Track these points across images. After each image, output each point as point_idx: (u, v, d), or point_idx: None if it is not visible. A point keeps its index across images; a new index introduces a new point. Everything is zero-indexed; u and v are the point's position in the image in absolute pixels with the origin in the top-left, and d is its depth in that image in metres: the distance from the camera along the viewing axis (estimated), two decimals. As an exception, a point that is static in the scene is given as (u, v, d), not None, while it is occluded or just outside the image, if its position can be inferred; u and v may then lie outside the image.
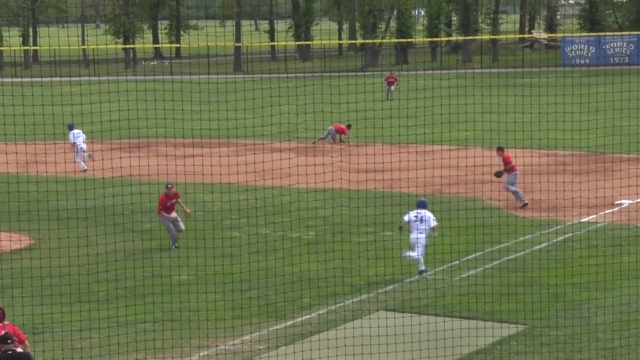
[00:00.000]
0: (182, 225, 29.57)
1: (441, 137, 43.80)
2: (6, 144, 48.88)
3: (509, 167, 33.89)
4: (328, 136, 52.33)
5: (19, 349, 16.76)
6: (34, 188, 35.72)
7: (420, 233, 25.82)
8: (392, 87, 67.71)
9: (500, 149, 34.16)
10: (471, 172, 36.64)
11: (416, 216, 26.13)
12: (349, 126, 51.56)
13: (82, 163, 45.64)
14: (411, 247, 26.01)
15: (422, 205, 26.79)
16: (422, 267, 25.77)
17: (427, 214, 26.33)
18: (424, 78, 70.68)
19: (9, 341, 15.09)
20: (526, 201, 33.46)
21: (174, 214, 29.56)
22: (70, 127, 47.20)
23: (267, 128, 49.79)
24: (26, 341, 17.33)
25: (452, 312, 21.68)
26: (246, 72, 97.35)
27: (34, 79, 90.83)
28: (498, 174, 34.42)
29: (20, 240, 29.40)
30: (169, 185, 30.46)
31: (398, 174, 35.51)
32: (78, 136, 47.00)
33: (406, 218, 26.42)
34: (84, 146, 46.66)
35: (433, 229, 26.23)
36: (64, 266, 24.78)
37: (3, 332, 15.47)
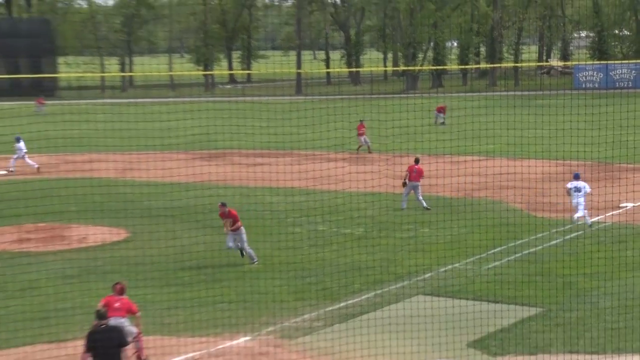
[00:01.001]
0: (241, 244, 25.90)
1: (471, 150, 43.59)
2: (107, 154, 49.54)
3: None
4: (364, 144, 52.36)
5: (125, 320, 17.02)
6: (130, 190, 36.20)
7: (580, 198, 29.27)
8: (442, 115, 66.31)
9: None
10: (496, 179, 36.53)
11: (576, 186, 29.44)
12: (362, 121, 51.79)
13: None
14: (574, 210, 29.44)
15: (576, 177, 29.94)
16: (589, 222, 29.52)
17: (581, 183, 29.58)
18: (457, 100, 70.45)
19: (102, 317, 14.86)
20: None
21: (235, 230, 25.78)
22: (18, 139, 46.31)
23: (324, 141, 49.90)
24: (138, 313, 17.58)
25: (480, 297, 21.64)
26: (305, 94, 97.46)
27: (129, 100, 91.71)
28: (404, 184, 33.90)
29: (118, 233, 29.78)
30: (220, 204, 26.58)
31: (435, 180, 35.42)
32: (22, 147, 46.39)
33: (568, 185, 29.80)
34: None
35: (588, 194, 29.49)
36: (154, 255, 25.09)
37: (99, 308, 15.43)
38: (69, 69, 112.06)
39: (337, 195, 34.31)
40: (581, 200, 29.30)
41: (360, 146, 52.06)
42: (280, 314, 20.65)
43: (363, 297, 21.99)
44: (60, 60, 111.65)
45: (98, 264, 25.35)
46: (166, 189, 35.41)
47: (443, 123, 64.43)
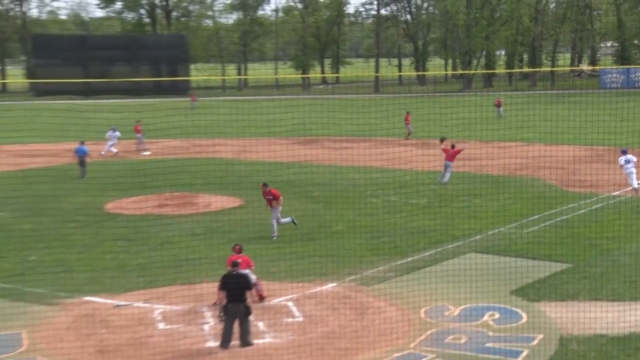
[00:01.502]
0: (277, 220, 24.10)
1: (515, 137, 42.85)
2: (226, 139, 50.07)
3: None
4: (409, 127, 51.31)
5: (247, 271, 17.28)
6: (244, 168, 36.56)
7: (631, 168, 29.18)
8: (501, 109, 63.97)
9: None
10: (535, 160, 35.92)
11: (626, 159, 29.26)
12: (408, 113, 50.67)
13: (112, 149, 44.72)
14: (629, 179, 29.24)
15: (624, 152, 29.68)
16: (636, 186, 29.10)
17: (629, 156, 29.33)
18: (504, 97, 69.20)
19: (235, 266, 15.81)
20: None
21: (273, 207, 24.14)
22: (114, 129, 45.32)
23: (396, 130, 49.65)
24: (253, 266, 17.82)
25: (520, 254, 21.33)
26: (382, 93, 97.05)
27: (244, 98, 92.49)
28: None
29: (234, 201, 30.12)
30: (262, 184, 24.76)
31: (485, 161, 34.99)
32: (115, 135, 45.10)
33: (620, 160, 29.55)
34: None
35: (636, 165, 29.32)
36: (262, 219, 25.27)
37: (233, 260, 16.26)
38: (198, 73, 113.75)
39: (406, 173, 34.13)
40: (633, 170, 28.99)
41: (409, 133, 51.24)
42: (360, 266, 20.67)
43: (426, 253, 21.86)
44: (192, 66, 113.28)
45: (219, 224, 25.67)
46: (271, 167, 35.67)
47: (500, 115, 62.33)
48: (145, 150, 46.04)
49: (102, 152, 43.93)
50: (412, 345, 15.32)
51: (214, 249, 22.24)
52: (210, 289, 18.28)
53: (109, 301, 18.01)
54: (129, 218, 27.13)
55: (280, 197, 24.24)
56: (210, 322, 16.63)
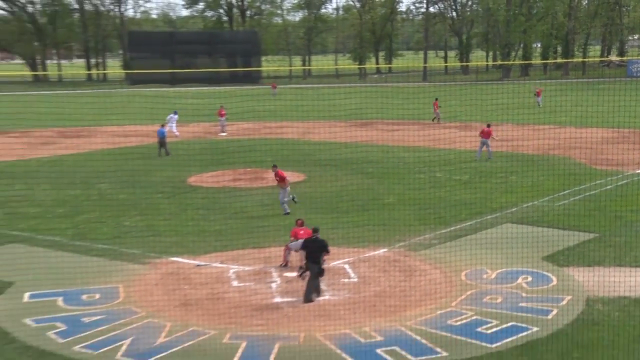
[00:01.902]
0: (283, 197, 23.11)
1: (549, 120, 41.96)
2: (292, 122, 50.18)
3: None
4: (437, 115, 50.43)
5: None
6: (307, 147, 36.56)
7: None
8: (539, 98, 61.94)
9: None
10: (566, 142, 35.09)
11: None
12: (436, 99, 49.74)
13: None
14: None
15: None
16: None
17: None
18: (539, 85, 67.70)
19: (315, 232, 15.94)
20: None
21: (282, 186, 23.22)
22: (175, 112, 44.10)
23: (441, 114, 49.05)
24: None
25: (552, 225, 20.91)
26: (429, 81, 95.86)
27: (308, 85, 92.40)
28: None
29: (299, 176, 30.20)
30: (272, 166, 23.88)
31: (521, 142, 34.34)
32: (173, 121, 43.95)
33: None
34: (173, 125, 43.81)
35: None
36: (323, 192, 25.32)
37: (315, 226, 16.40)
38: (268, 64, 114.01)
39: (450, 152, 33.75)
40: None
41: (434, 117, 50.36)
42: (408, 234, 20.54)
43: (467, 223, 21.60)
44: (263, 58, 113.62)
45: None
46: (331, 146, 35.63)
47: (539, 104, 60.62)
48: (223, 131, 46.50)
49: (177, 134, 43.68)
50: (453, 303, 15.21)
51: (280, 218, 22.36)
52: (277, 252, 18.43)
53: (190, 261, 18.28)
54: (208, 190, 27.43)
55: (287, 179, 23.15)
56: (277, 281, 16.75)
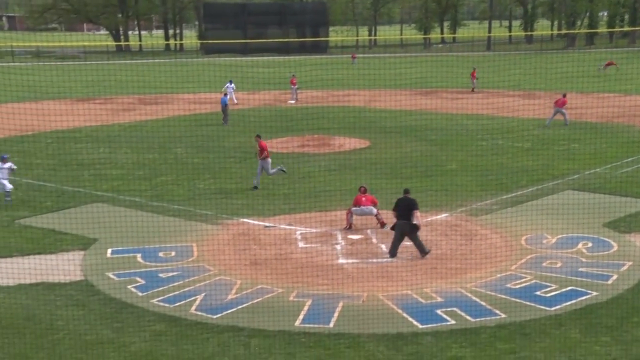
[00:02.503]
0: (268, 168, 21.99)
1: (613, 89, 40.45)
2: (357, 90, 49.86)
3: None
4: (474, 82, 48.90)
5: (371, 207, 17.57)
6: (372, 114, 36.29)
7: None
8: (607, 67, 55.69)
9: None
10: (631, 110, 33.80)
11: None
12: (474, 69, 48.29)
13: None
14: None
15: None
16: None
17: None
18: (605, 53, 65.20)
19: (406, 192, 15.89)
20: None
21: (262, 158, 21.90)
22: (230, 82, 43.91)
23: (505, 82, 47.88)
24: (377, 203, 17.93)
25: (613, 192, 20.24)
26: (493, 50, 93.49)
27: (374, 55, 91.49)
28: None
29: (363, 143, 30.06)
30: (255, 136, 22.71)
31: (585, 110, 33.23)
32: (230, 90, 43.49)
33: None
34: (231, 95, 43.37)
35: None
36: (386, 157, 25.15)
37: (405, 187, 16.32)
38: (336, 35, 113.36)
39: (512, 120, 32.98)
40: None
41: (473, 87, 48.89)
42: (469, 199, 20.23)
43: (528, 190, 21.12)
44: (331, 28, 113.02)
45: (350, 162, 25.72)
46: (395, 114, 35.27)
47: (600, 69, 58.18)
48: (292, 99, 46.56)
49: (235, 101, 43.59)
50: (513, 267, 14.96)
51: (345, 183, 22.33)
52: (342, 216, 18.44)
53: (259, 223, 18.48)
54: (277, 155, 27.57)
55: (267, 151, 21.74)
56: (342, 243, 16.78)
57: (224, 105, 36.66)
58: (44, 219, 18.90)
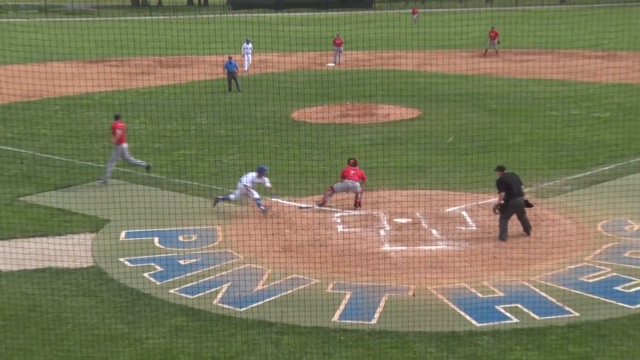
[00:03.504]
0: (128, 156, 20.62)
1: None
2: (407, 51, 49.33)
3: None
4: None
5: (357, 183, 17.86)
6: (423, 80, 35.92)
7: None
8: None
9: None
10: None
11: None
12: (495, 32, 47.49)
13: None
14: None
15: None
16: None
17: None
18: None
19: (504, 168, 16.24)
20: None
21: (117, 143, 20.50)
22: (247, 41, 43.90)
23: (580, 42, 46.82)
24: (366, 180, 18.27)
25: None
26: (568, 3, 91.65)
27: (425, 10, 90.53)
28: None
29: (413, 112, 29.78)
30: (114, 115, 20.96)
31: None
32: (248, 51, 43.76)
33: None
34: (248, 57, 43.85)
35: None
36: (439, 130, 24.84)
37: (500, 164, 16.63)
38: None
39: (590, 86, 32.29)
40: None
41: (487, 49, 47.86)
42: (536, 179, 19.90)
43: (606, 167, 20.70)
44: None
45: (397, 134, 25.51)
46: (450, 79, 34.88)
47: None
48: (333, 62, 46.26)
49: (245, 69, 43.38)
50: (587, 258, 14.72)
51: (391, 158, 22.14)
52: (387, 196, 18.28)
53: (292, 203, 18.46)
54: (313, 126, 27.51)
55: (118, 131, 20.27)
56: (387, 227, 16.66)
57: (231, 71, 36.30)
58: (50, 196, 19.17)
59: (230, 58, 37.22)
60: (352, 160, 18.51)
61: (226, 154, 23.56)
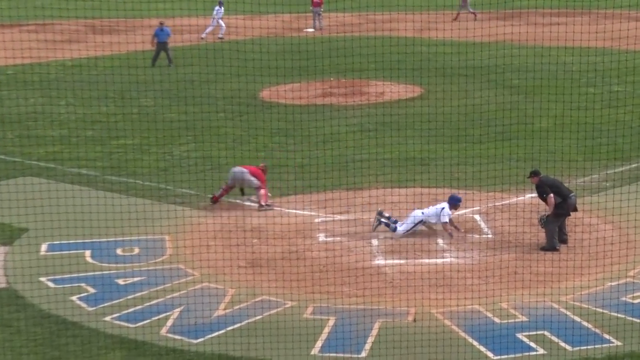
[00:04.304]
0: None
1: None
2: (406, 13, 49.43)
3: None
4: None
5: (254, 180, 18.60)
6: (426, 49, 35.98)
7: None
8: None
9: None
10: None
11: None
12: None
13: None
14: None
15: None
16: None
17: None
18: None
19: (537, 174, 16.72)
20: None
21: None
22: (220, 3, 44.64)
23: (625, 0, 47.20)
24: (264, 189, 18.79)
25: None
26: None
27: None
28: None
29: (413, 90, 29.86)
30: None
31: None
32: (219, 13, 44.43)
33: None
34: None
35: None
36: (446, 113, 24.98)
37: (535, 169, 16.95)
38: None
39: (636, 55, 32.48)
40: None
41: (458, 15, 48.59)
42: (568, 173, 20.00)
43: (656, 159, 20.90)
44: None
45: (394, 118, 25.55)
46: (461, 48, 34.93)
47: None
48: (312, 26, 46.29)
49: (203, 36, 43.86)
50: (631, 273, 14.97)
51: (386, 148, 22.26)
52: (380, 196, 18.36)
53: (248, 203, 18.51)
54: (287, 108, 27.53)
55: None
56: (380, 237, 16.73)
57: (164, 40, 36.64)
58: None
59: (161, 24, 37.25)
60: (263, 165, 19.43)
61: (178, 144, 23.55)
